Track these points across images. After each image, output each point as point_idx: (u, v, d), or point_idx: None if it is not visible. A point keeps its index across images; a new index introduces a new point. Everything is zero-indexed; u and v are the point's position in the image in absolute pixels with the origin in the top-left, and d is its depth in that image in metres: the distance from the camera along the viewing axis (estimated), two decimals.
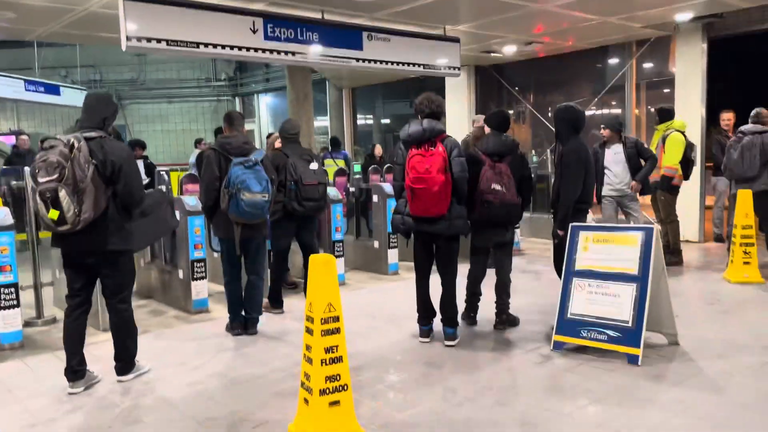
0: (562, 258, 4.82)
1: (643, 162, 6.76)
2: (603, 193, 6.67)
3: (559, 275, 4.90)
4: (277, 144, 6.15)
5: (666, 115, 7.37)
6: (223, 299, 5.31)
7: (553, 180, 5.47)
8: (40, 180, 3.57)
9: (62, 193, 3.54)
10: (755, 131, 6.69)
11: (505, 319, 5.07)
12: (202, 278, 5.83)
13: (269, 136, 6.66)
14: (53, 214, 3.57)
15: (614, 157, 6.69)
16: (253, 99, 18.77)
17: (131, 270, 4.14)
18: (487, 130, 5.17)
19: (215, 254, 6.28)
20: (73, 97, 13.87)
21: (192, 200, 5.69)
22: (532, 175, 5.49)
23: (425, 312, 4.85)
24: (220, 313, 5.67)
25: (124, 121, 17.30)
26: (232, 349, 4.80)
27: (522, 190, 4.92)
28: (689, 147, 7.19)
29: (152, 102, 17.74)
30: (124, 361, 4.13)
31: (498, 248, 5.08)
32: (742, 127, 6.90)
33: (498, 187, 4.71)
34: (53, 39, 9.04)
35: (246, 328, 5.17)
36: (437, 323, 4.92)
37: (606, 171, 6.69)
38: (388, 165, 8.50)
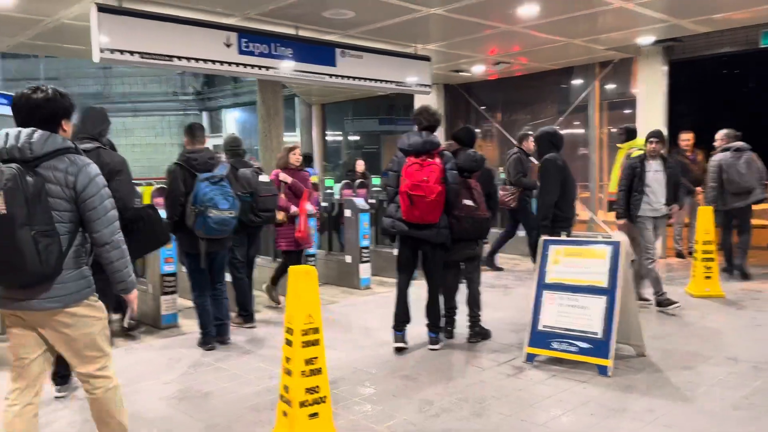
0: None
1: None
2: (640, 213, 6.01)
3: None
4: (294, 160, 6.15)
5: (630, 134, 7.62)
6: (192, 314, 5.25)
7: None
8: None
9: None
10: (749, 148, 7.20)
11: (478, 332, 5.14)
12: (173, 293, 5.76)
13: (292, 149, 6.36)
14: None
15: (654, 175, 6.06)
16: (221, 113, 18.67)
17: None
18: (455, 146, 5.32)
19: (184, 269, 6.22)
20: None
21: (164, 213, 5.63)
22: (498, 191, 5.72)
23: (402, 316, 4.92)
24: (191, 328, 5.60)
25: None
26: (205, 364, 4.74)
27: (489, 205, 5.08)
28: None
29: (117, 115, 17.45)
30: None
31: (468, 262, 5.18)
32: (737, 144, 7.28)
33: (469, 202, 4.85)
34: (20, 50, 8.88)
35: (219, 335, 5.16)
36: (410, 333, 4.98)
37: (646, 189, 6.03)
38: (360, 181, 8.56)
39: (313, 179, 9.72)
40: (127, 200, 3.91)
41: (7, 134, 2.61)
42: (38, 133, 2.62)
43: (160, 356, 4.94)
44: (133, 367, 4.65)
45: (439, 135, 4.99)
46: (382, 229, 5.02)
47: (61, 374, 4.03)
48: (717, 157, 7.38)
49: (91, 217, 2.68)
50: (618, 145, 7.80)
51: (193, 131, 5.10)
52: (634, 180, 6.03)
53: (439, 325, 5.01)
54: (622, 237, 5.42)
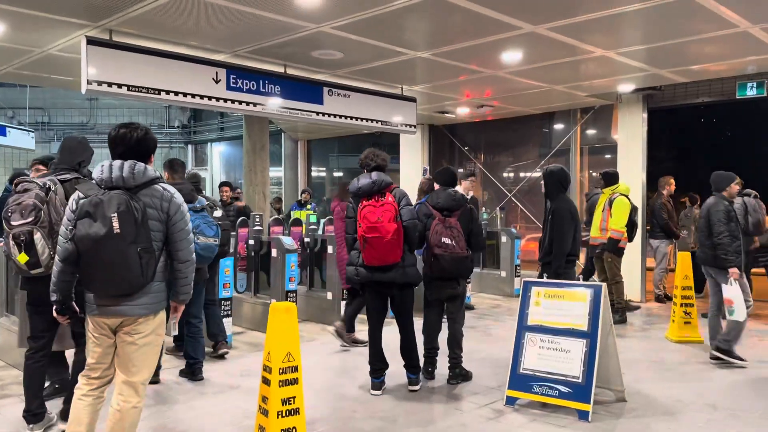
0: None
1: None
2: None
3: None
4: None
5: (611, 179, 7.73)
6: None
7: (541, 235, 5.64)
8: (14, 223, 3.61)
9: (37, 236, 3.59)
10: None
11: (458, 373, 5.10)
12: None
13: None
14: (22, 258, 3.59)
15: None
16: (207, 147, 18.67)
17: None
18: (436, 186, 5.38)
19: None
20: (20, 138, 13.46)
21: None
22: (482, 230, 5.75)
23: (378, 364, 4.83)
24: (163, 363, 5.49)
25: None
26: (180, 402, 4.64)
27: (472, 244, 5.09)
28: (633, 210, 7.55)
29: (102, 146, 17.38)
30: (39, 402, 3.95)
31: (450, 301, 5.16)
32: (755, 192, 7.45)
33: (448, 240, 4.85)
34: (5, 79, 8.87)
35: (193, 374, 5.13)
36: (389, 372, 4.91)
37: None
38: None
39: (304, 214, 9.75)
40: None
41: (110, 165, 3.03)
42: (138, 166, 3.06)
43: None
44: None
45: (418, 175, 5.02)
46: (346, 279, 4.92)
47: (33, 412, 3.91)
48: (739, 200, 7.46)
49: (177, 237, 3.13)
50: (600, 189, 7.90)
51: (174, 166, 5.34)
52: (732, 222, 5.67)
53: (418, 365, 4.94)
54: (736, 291, 5.41)
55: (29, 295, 3.91)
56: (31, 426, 3.90)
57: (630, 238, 7.60)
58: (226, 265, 6.25)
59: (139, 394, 3.12)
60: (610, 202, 7.50)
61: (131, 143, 3.13)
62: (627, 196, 7.54)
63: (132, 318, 3.05)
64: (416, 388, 4.88)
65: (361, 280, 4.74)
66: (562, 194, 5.37)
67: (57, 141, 17.22)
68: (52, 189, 3.72)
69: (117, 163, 3.05)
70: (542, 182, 5.63)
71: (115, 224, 2.91)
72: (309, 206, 11.27)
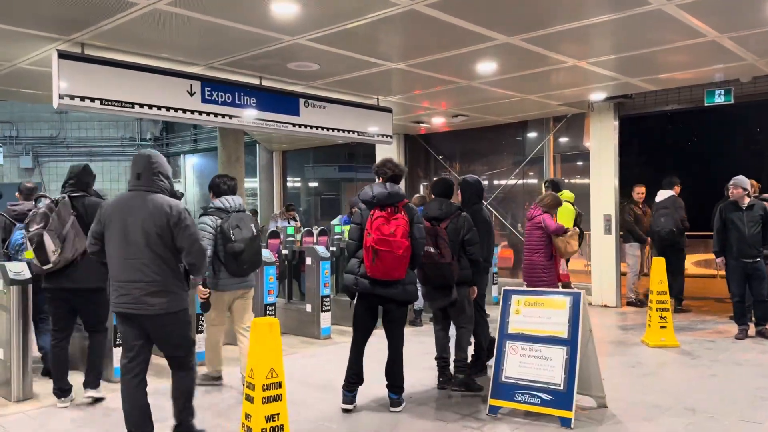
0: None
1: None
2: None
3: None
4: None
5: (555, 187, 7.86)
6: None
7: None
8: (31, 228, 4.56)
9: (46, 237, 4.50)
10: None
11: (462, 381, 5.08)
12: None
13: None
14: (29, 254, 4.61)
15: None
16: (179, 159, 18.45)
17: (107, 302, 4.36)
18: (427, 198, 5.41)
19: None
20: None
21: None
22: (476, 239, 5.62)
23: (354, 377, 4.71)
24: None
25: (40, 179, 16.54)
26: (159, 420, 4.55)
27: (467, 253, 5.07)
28: (578, 216, 7.71)
29: (72, 160, 17.05)
30: (95, 373, 4.89)
31: (450, 308, 5.16)
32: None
33: (431, 249, 4.85)
34: None
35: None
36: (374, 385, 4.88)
37: None
38: (322, 228, 8.54)
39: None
40: None
41: (227, 199, 5.14)
42: (240, 198, 5.23)
43: (112, 411, 4.73)
44: (104, 419, 4.42)
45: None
46: (343, 287, 4.84)
47: (62, 388, 4.83)
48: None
49: None
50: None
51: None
52: None
53: (402, 386, 4.75)
54: None
55: (49, 291, 4.72)
56: (61, 399, 4.81)
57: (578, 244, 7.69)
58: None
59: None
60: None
61: (233, 188, 5.27)
62: (572, 203, 7.68)
63: (249, 289, 5.27)
64: (398, 409, 4.68)
65: (360, 290, 4.60)
66: (478, 204, 5.57)
67: (26, 155, 16.89)
68: (61, 201, 4.65)
69: (232, 197, 5.15)
70: (459, 190, 5.70)
71: (254, 229, 5.06)
72: None
